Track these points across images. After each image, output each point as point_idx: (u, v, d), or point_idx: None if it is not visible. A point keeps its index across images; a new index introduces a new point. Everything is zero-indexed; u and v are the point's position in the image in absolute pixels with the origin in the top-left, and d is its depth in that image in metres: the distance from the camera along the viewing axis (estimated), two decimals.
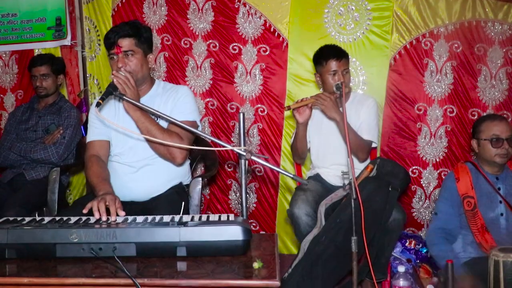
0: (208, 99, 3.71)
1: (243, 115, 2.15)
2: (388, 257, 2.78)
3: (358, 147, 2.87)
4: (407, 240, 3.19)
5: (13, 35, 3.91)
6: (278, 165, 3.64)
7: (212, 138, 2.15)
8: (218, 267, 1.62)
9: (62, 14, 3.82)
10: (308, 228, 2.67)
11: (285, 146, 3.59)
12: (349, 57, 3.05)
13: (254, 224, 3.76)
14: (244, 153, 2.02)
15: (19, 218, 1.92)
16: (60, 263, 1.67)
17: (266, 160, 2.16)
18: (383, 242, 2.67)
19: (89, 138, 2.58)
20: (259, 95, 3.62)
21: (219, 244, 1.69)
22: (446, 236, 2.65)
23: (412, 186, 3.50)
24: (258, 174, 3.70)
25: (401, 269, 2.56)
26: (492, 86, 3.34)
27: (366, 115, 2.99)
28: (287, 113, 3.54)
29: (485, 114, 3.30)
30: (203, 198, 3.76)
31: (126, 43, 2.41)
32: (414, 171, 3.49)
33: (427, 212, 3.49)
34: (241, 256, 1.72)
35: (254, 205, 3.75)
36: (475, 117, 3.34)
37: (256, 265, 1.61)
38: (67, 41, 3.83)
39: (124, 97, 2.27)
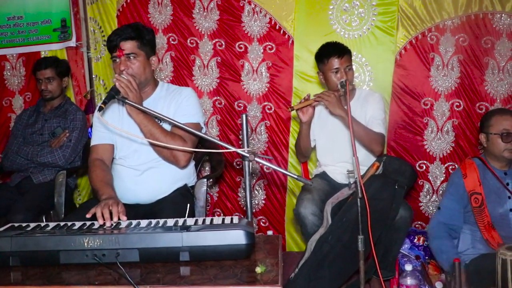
0: (215, 98, 3.71)
1: (246, 116, 2.13)
2: (395, 255, 2.77)
3: (370, 140, 2.83)
4: (416, 237, 3.17)
5: (19, 38, 3.93)
6: (286, 162, 3.65)
7: (216, 140, 2.16)
8: (221, 272, 1.62)
9: (67, 16, 3.83)
10: (315, 228, 2.66)
11: (293, 143, 3.57)
12: (352, 53, 3.02)
13: (263, 220, 3.76)
14: (248, 155, 2.02)
15: (23, 224, 1.93)
16: (64, 270, 1.68)
17: (270, 161, 2.15)
18: (390, 240, 2.66)
19: (93, 142, 2.59)
20: (266, 92, 3.62)
21: (222, 248, 1.69)
22: (448, 231, 2.64)
23: (420, 181, 3.48)
24: (267, 171, 3.69)
25: (408, 267, 2.55)
26: (500, 79, 3.29)
27: (372, 110, 2.97)
28: (292, 112, 3.53)
29: (493, 108, 3.26)
30: (209, 199, 3.77)
31: (128, 45, 2.41)
32: (421, 165, 3.47)
33: (434, 206, 3.47)
34: (245, 260, 1.72)
35: (263, 201, 3.75)
36: (483, 111, 3.31)
37: (259, 269, 1.61)
38: (72, 43, 3.84)
39: (126, 100, 2.27)
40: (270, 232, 3.60)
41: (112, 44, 2.43)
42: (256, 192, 3.74)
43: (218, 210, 3.85)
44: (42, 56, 3.87)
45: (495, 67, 3.29)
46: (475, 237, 2.63)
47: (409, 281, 2.55)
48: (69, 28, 3.83)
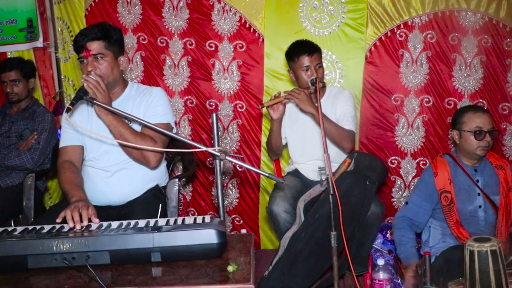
0: (186, 97, 3.68)
1: (216, 115, 2.14)
2: (368, 250, 2.80)
3: (340, 137, 2.84)
4: (388, 232, 3.21)
5: None
6: (259, 160, 3.65)
7: (186, 140, 2.15)
8: (193, 271, 1.62)
9: (33, 15, 3.74)
10: (288, 225, 2.67)
11: (265, 141, 3.57)
12: (322, 51, 3.05)
13: (237, 219, 3.76)
14: (219, 154, 2.02)
15: None
16: (32, 275, 1.65)
17: (241, 159, 2.15)
18: (362, 236, 2.68)
19: (62, 143, 2.54)
20: (237, 91, 3.61)
21: (193, 248, 1.69)
22: (411, 225, 2.67)
23: (392, 176, 3.52)
24: (240, 169, 3.69)
25: (381, 262, 2.58)
26: (467, 75, 3.36)
27: (343, 107, 2.99)
28: (264, 109, 3.54)
29: (464, 104, 3.31)
30: (182, 198, 3.75)
31: (95, 46, 2.37)
32: (393, 161, 3.51)
33: None
34: (217, 259, 1.72)
35: (237, 200, 3.74)
36: (452, 106, 3.38)
37: (230, 268, 1.61)
38: (39, 43, 3.76)
39: (95, 101, 2.23)
40: (244, 231, 3.61)
41: (79, 45, 2.38)
42: (230, 190, 3.73)
43: (192, 209, 3.83)
44: (8, 56, 3.77)
45: (462, 63, 3.35)
46: (445, 232, 2.66)
47: (381, 275, 2.58)
48: (36, 28, 3.75)
